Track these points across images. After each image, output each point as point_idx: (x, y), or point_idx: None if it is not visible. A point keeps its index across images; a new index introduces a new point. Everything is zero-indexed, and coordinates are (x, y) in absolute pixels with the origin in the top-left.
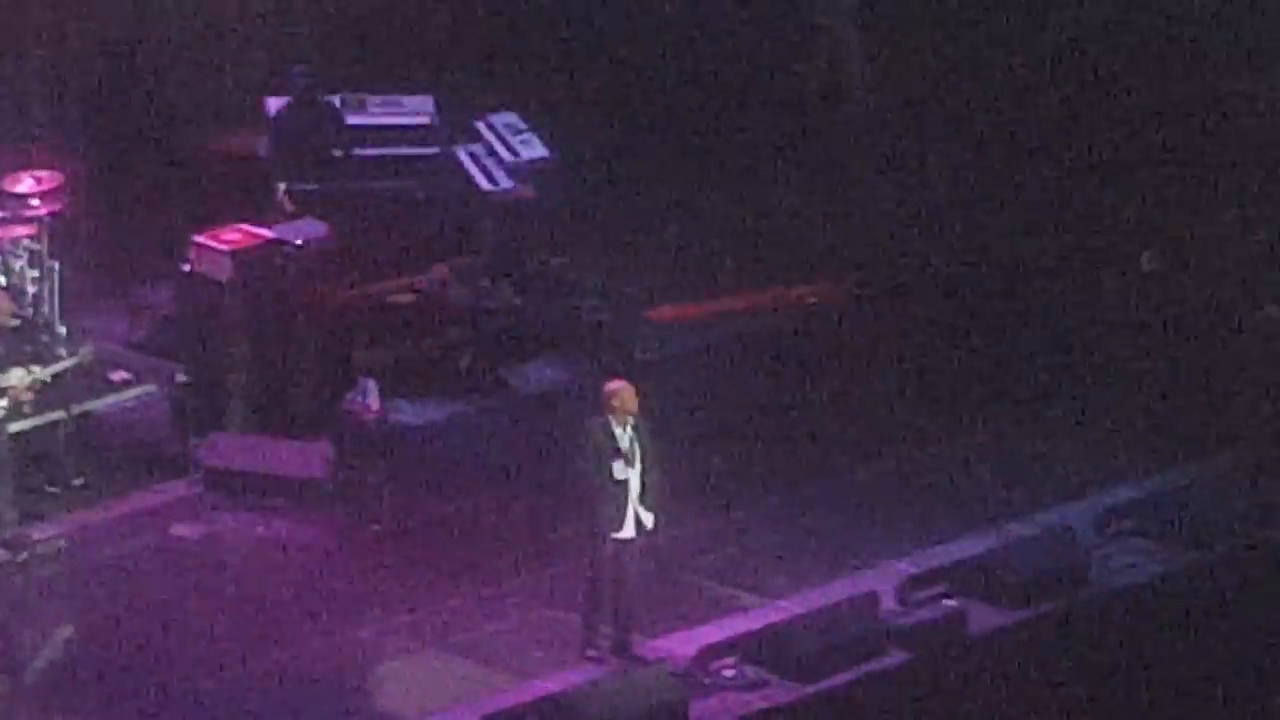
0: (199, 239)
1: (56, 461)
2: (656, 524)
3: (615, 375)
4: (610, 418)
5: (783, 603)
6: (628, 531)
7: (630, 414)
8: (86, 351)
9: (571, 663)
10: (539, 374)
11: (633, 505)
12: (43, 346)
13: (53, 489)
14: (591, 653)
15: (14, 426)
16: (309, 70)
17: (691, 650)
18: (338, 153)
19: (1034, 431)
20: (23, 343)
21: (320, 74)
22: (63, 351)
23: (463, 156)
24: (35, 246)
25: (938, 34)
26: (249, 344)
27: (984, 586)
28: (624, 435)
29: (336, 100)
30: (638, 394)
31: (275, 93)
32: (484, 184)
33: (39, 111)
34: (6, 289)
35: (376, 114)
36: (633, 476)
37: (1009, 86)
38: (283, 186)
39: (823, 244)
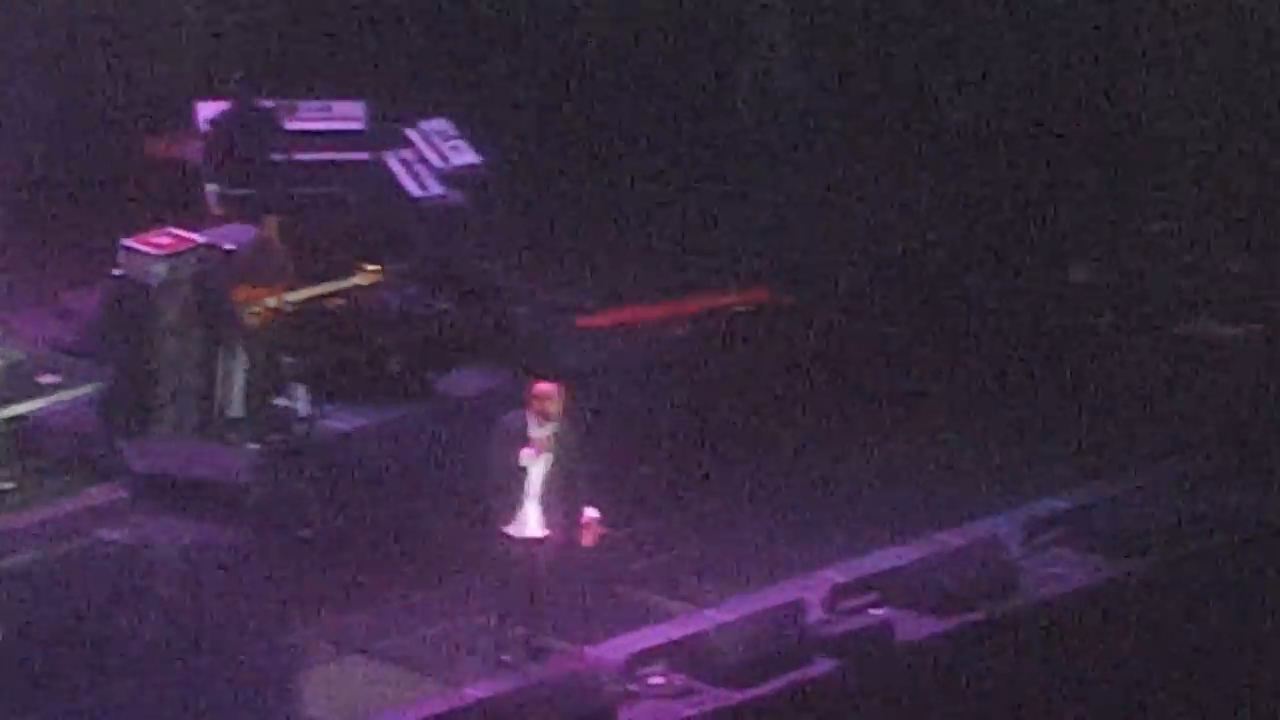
0: (128, 242)
1: None
2: (567, 521)
3: (544, 378)
4: (529, 414)
5: (711, 611)
6: (529, 529)
7: (551, 419)
8: (16, 355)
9: (499, 669)
10: (468, 381)
11: (532, 501)
12: None
13: None
14: (506, 657)
15: None
16: (245, 75)
17: (620, 657)
18: (277, 157)
19: (962, 440)
20: None
21: (255, 79)
22: None
23: (393, 163)
24: None
25: (870, 39)
26: (178, 348)
27: (911, 595)
28: (538, 431)
29: (269, 105)
30: (565, 400)
31: (205, 96)
32: (414, 190)
33: None
34: None
35: (307, 119)
36: (536, 470)
37: (941, 94)
38: (214, 190)
39: (753, 250)
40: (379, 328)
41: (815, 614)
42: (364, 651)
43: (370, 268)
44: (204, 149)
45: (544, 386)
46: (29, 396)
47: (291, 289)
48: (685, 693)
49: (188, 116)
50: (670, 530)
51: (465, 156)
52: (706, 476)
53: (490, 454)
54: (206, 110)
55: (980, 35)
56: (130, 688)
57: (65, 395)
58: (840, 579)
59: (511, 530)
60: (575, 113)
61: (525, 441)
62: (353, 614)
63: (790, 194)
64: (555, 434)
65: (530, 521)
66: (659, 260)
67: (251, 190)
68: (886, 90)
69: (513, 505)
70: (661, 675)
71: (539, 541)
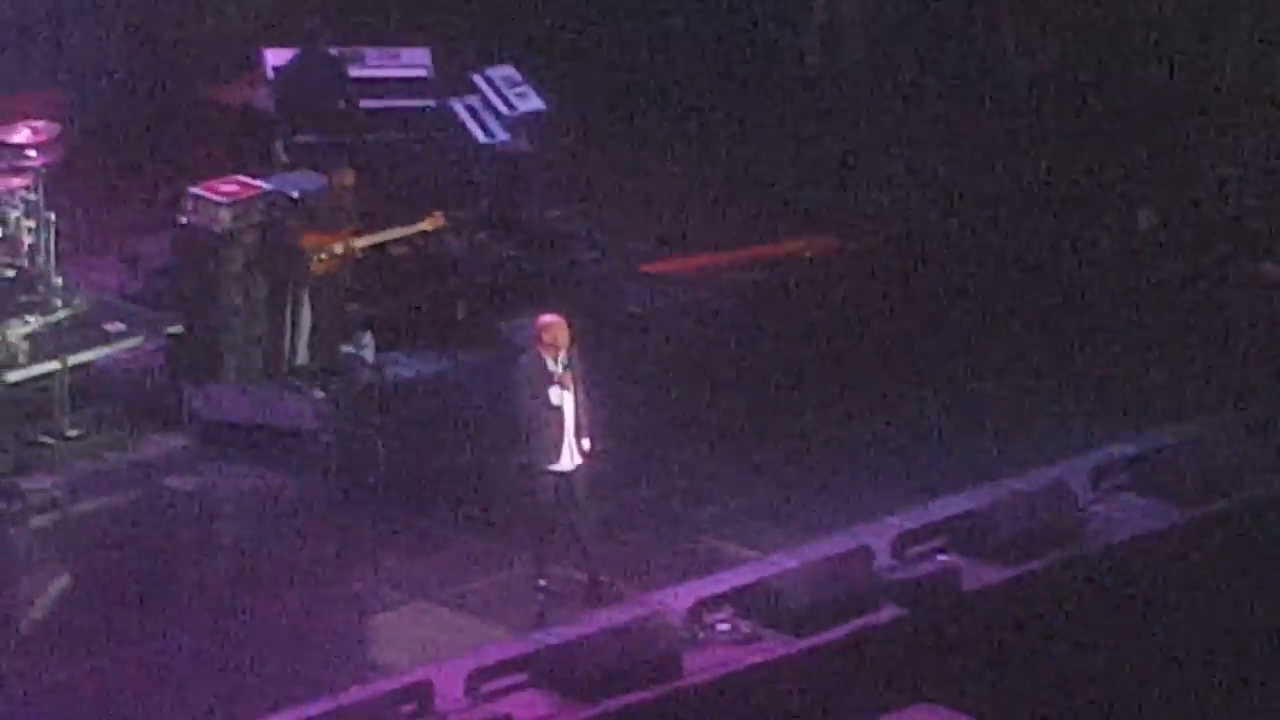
0: (195, 190)
1: (51, 412)
2: (593, 450)
3: (551, 312)
4: (540, 350)
5: (777, 556)
6: (565, 463)
7: (561, 348)
8: (82, 302)
9: (566, 616)
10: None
11: (569, 436)
12: (38, 297)
13: (48, 440)
14: (542, 582)
15: (9, 377)
16: (319, 22)
17: (686, 603)
18: (343, 104)
19: (1029, 387)
20: (18, 293)
21: (321, 26)
22: (58, 302)
23: (459, 109)
24: (31, 197)
25: None
26: (244, 296)
27: (978, 542)
28: (556, 366)
29: (335, 52)
30: (571, 329)
31: (273, 43)
32: (480, 136)
33: (38, 61)
34: (3, 240)
35: (373, 66)
36: (567, 404)
37: (1004, 41)
38: (281, 137)
39: (818, 198)
40: (445, 274)
41: (882, 560)
42: (429, 597)
43: (436, 214)
44: (271, 96)
45: (548, 317)
46: (95, 344)
47: (358, 236)
48: (751, 639)
49: (255, 64)
50: (736, 476)
51: (531, 102)
52: (773, 422)
53: (518, 397)
54: (274, 57)
55: None
56: (196, 634)
57: (131, 343)
58: (907, 525)
59: (558, 467)
60: (641, 58)
61: (549, 379)
62: (418, 560)
63: (856, 141)
64: (571, 366)
65: (570, 454)
66: (725, 206)
67: (318, 137)
68: (952, 36)
69: (552, 442)
70: (727, 621)
71: (578, 472)
